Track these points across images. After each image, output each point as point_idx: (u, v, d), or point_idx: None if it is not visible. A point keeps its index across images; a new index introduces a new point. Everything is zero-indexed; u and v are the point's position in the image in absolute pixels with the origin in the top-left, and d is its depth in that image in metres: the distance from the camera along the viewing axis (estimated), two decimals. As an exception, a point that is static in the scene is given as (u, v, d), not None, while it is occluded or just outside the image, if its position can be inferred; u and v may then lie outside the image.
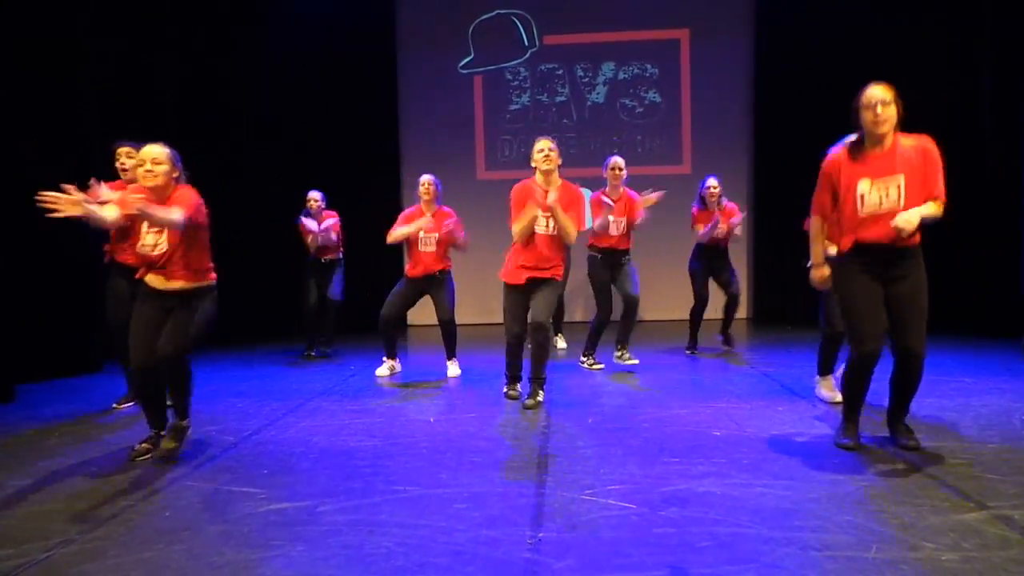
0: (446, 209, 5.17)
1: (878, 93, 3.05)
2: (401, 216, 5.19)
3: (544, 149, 4.12)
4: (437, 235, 5.04)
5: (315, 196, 6.11)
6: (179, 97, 6.70)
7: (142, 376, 3.32)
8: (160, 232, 3.25)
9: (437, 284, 5.11)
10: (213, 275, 3.43)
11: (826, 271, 3.32)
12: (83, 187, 3.49)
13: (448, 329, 5.19)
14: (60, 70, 5.53)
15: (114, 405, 4.39)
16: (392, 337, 5.23)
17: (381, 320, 5.11)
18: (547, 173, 4.13)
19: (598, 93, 8.15)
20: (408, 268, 5.18)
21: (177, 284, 3.30)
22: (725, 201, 5.84)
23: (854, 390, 3.26)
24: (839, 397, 3.80)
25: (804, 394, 4.30)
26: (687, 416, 3.87)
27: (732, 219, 5.77)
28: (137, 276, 3.36)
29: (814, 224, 3.33)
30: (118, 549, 2.34)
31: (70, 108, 5.62)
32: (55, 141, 5.45)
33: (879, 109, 3.03)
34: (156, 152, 3.27)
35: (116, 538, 2.43)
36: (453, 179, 7.07)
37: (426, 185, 5.10)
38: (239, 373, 5.46)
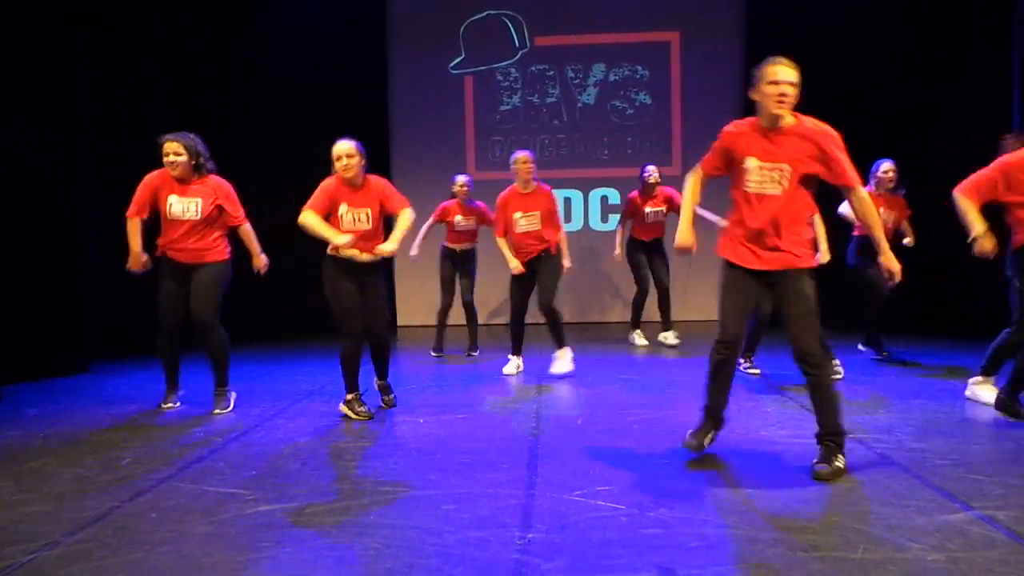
0: (546, 186, 5.09)
1: None
2: (500, 203, 5.04)
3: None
4: (538, 212, 4.97)
5: (462, 181, 6.00)
6: (170, 96, 6.66)
7: (357, 340, 3.94)
8: (363, 209, 3.86)
9: (543, 263, 4.99)
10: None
11: (990, 242, 3.30)
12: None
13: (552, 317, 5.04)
14: (54, 67, 5.48)
15: (162, 405, 4.30)
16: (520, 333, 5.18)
17: (513, 316, 5.06)
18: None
19: (589, 94, 8.16)
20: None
21: (369, 256, 3.87)
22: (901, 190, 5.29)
23: None
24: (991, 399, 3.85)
25: (791, 394, 4.32)
26: (676, 417, 3.88)
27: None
28: (330, 251, 3.86)
29: (966, 201, 3.36)
30: (104, 551, 2.32)
31: (64, 106, 5.58)
32: (46, 138, 5.40)
33: None
34: (350, 147, 3.81)
35: (101, 540, 2.41)
36: (442, 179, 7.05)
37: (528, 163, 4.97)
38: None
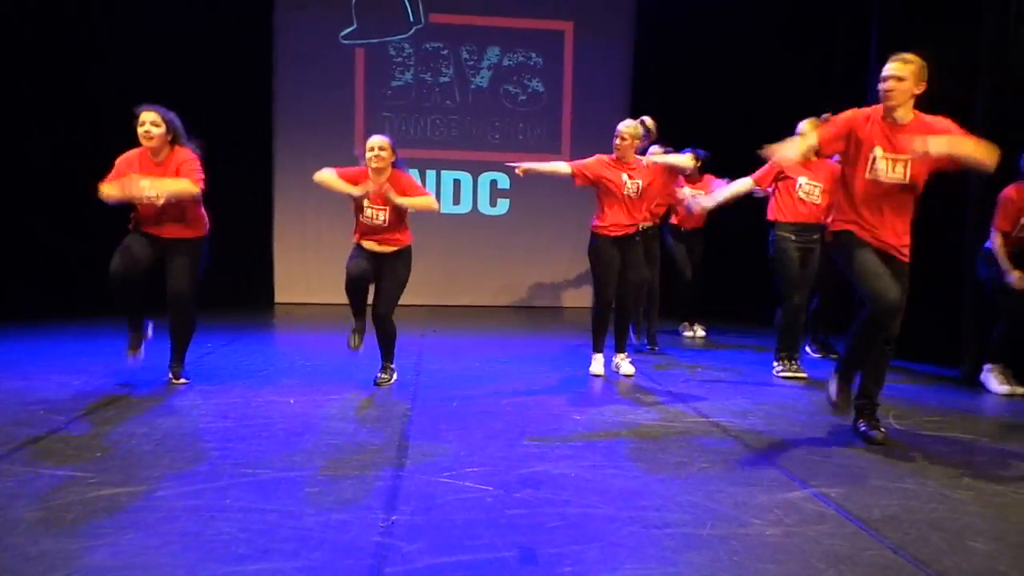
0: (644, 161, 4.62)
1: None
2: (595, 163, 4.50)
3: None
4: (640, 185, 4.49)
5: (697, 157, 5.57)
6: (38, 51, 6.04)
7: (354, 288, 4.11)
8: (381, 209, 4.01)
9: (633, 246, 4.55)
10: (410, 237, 4.20)
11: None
12: None
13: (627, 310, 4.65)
14: None
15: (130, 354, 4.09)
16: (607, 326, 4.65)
17: (603, 307, 4.54)
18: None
19: (482, 77, 8.12)
20: (601, 224, 4.50)
21: (390, 248, 4.10)
22: None
23: None
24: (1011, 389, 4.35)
25: (660, 381, 4.51)
26: (550, 401, 3.96)
27: None
28: (356, 240, 4.14)
29: (999, 242, 4.23)
30: (-90, 541, 2.08)
31: None
32: None
33: None
34: (384, 141, 4.01)
35: (-92, 529, 2.15)
36: (330, 154, 6.81)
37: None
38: (81, 347, 5.01)
